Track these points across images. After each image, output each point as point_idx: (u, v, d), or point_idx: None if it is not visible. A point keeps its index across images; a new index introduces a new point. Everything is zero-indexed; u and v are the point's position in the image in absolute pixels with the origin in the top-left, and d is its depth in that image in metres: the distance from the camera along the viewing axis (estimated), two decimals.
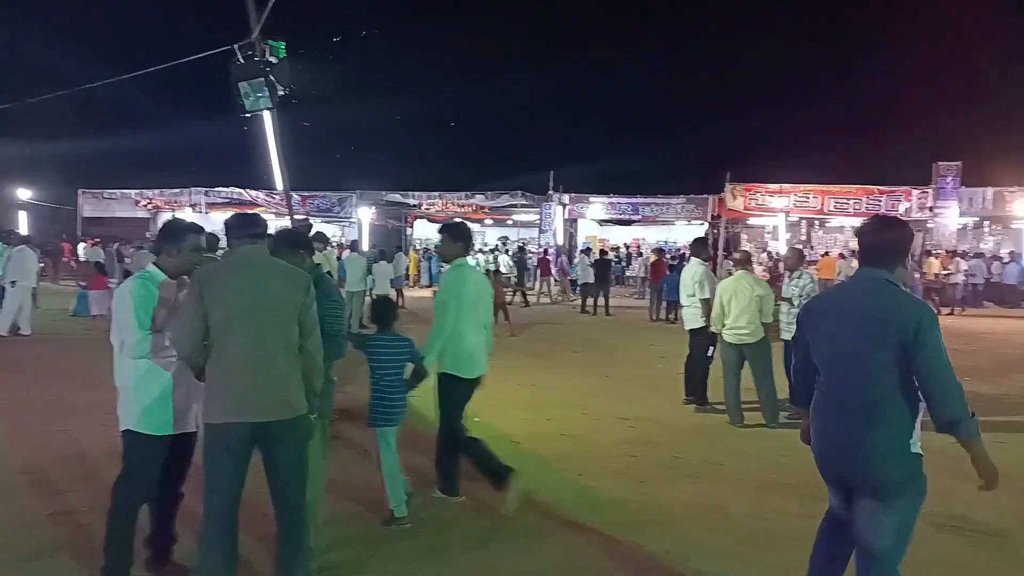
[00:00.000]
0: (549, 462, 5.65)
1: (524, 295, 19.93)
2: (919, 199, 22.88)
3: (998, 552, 4.02)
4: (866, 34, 52.71)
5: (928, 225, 23.02)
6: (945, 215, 22.69)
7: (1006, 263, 21.44)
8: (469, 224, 5.33)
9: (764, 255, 23.06)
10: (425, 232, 30.75)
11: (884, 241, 2.86)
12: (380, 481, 5.16)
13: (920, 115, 42.34)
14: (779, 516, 4.53)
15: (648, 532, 4.28)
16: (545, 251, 22.46)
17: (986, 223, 24.45)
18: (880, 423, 2.68)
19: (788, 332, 7.18)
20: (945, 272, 19.35)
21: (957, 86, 46.81)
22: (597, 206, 25.96)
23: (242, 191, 26.73)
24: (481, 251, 26.77)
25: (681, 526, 4.37)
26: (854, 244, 24.99)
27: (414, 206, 27.60)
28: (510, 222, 30.48)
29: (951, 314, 18.22)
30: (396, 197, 27.26)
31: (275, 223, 26.02)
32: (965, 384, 2.70)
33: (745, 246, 24.85)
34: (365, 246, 23.35)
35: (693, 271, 7.66)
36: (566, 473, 5.38)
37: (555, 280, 21.56)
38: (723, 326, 6.93)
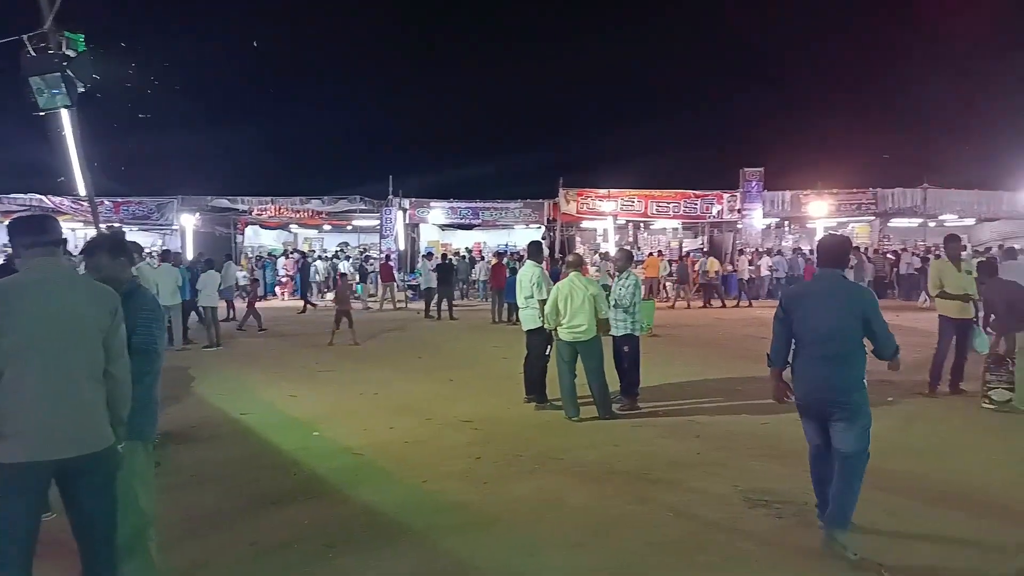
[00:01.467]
0: (392, 471, 5.57)
1: (306, 302, 19.60)
2: (729, 202, 25.09)
3: (797, 519, 4.47)
4: (680, 54, 57.15)
5: (738, 226, 25.31)
6: (751, 216, 25.06)
7: (795, 258, 24.17)
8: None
9: (597, 256, 24.23)
10: (258, 239, 29.28)
11: (835, 249, 4.28)
12: (207, 506, 4.86)
13: (729, 126, 46.52)
14: (614, 502, 4.77)
15: (492, 531, 4.35)
16: (387, 257, 22.16)
17: (787, 223, 27.28)
18: (850, 367, 4.03)
19: (616, 329, 7.60)
20: (728, 271, 22.12)
21: (760, 100, 51.90)
22: (438, 211, 26.00)
23: (43, 197, 23.94)
24: (321, 258, 25.95)
25: (523, 522, 4.47)
26: (675, 244, 27.22)
27: (244, 212, 26.13)
28: (350, 228, 29.74)
29: (737, 306, 20.46)
30: (223, 202, 25.64)
31: (84, 233, 23.63)
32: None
33: (579, 248, 25.99)
34: (189, 255, 21.81)
35: (530, 273, 7.88)
36: (409, 480, 5.33)
37: (398, 286, 21.34)
38: (559, 325, 7.19)
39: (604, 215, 25.03)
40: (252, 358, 11.55)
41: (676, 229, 27.84)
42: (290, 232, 30.39)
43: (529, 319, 7.84)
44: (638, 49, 59.05)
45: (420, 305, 18.79)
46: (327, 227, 29.66)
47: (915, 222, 26.03)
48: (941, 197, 24.65)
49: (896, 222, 26.26)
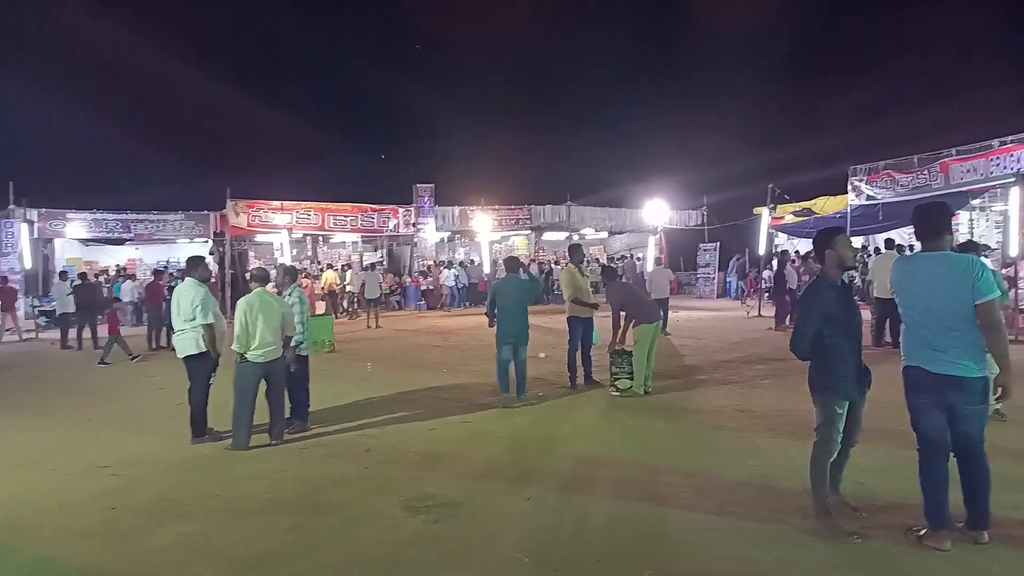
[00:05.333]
0: None
1: None
2: (404, 216, 25.92)
3: (453, 519, 4.72)
4: (353, 68, 57.61)
5: (414, 240, 26.25)
6: (425, 230, 26.20)
7: (474, 267, 26.01)
8: None
9: (274, 272, 23.14)
10: None
11: (514, 262, 9.09)
12: None
13: (402, 141, 47.91)
14: (268, 535, 4.51)
15: None
16: (5, 279, 18.41)
17: (457, 236, 29.02)
18: (526, 319, 8.31)
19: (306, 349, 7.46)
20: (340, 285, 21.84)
21: (431, 117, 54.28)
22: (77, 223, 22.50)
23: None
24: None
25: (164, 574, 4.00)
26: (356, 258, 27.26)
27: None
28: None
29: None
30: None
31: None
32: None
33: (254, 263, 24.57)
34: None
35: (192, 293, 7.05)
36: (21, 550, 4.44)
37: (26, 313, 17.94)
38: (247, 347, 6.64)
39: (279, 228, 24.02)
40: None
41: (356, 242, 27.88)
42: None
43: (188, 344, 7.02)
44: (309, 60, 58.18)
45: (56, 334, 16.07)
46: None
47: (563, 235, 29.64)
48: (582, 213, 28.44)
49: (548, 235, 29.60)
